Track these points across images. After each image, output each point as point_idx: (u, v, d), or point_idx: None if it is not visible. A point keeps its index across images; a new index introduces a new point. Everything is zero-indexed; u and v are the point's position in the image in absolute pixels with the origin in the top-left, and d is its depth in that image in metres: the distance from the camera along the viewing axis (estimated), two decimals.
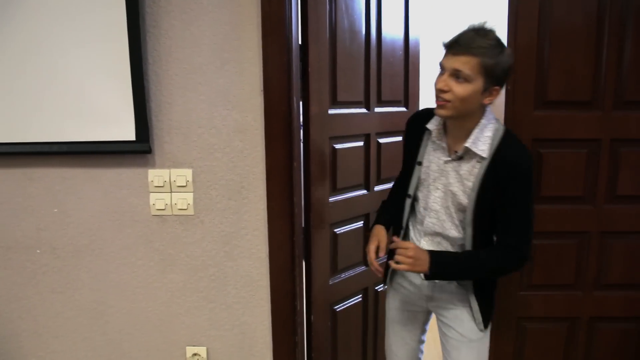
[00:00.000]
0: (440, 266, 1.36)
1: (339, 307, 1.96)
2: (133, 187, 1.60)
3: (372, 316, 2.12)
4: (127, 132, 1.53)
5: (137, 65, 1.49)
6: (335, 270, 1.92)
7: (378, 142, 2.03)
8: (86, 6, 1.46)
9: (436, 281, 1.48)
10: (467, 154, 1.37)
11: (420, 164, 1.49)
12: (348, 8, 1.78)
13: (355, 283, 2.02)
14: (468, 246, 1.42)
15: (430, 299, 1.53)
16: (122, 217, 1.63)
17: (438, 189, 1.44)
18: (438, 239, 1.48)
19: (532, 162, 1.39)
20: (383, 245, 1.53)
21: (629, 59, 1.68)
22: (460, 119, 1.36)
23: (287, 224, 1.63)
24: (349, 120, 1.89)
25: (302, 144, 1.72)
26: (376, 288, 2.13)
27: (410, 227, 1.55)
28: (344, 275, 1.96)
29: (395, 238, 1.45)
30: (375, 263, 1.52)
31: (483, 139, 1.35)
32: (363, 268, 2.04)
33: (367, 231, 2.02)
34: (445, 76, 1.30)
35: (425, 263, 1.34)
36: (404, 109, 2.15)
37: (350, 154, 1.92)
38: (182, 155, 1.58)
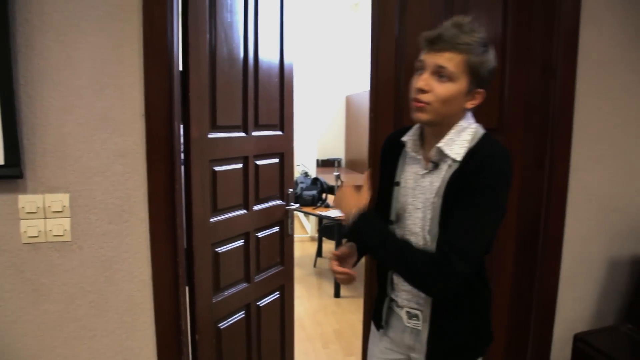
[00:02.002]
0: (361, 226, 1.22)
1: (223, 325, 2.00)
2: (0, 214, 1.51)
3: (255, 331, 2.20)
4: None
5: (6, 86, 1.42)
6: (218, 288, 1.97)
7: (256, 164, 2.14)
8: None
9: (420, 330, 1.33)
10: (443, 161, 1.24)
11: (398, 184, 1.35)
12: (227, 37, 1.88)
13: (238, 300, 2.08)
14: None
15: (411, 349, 1.39)
16: None
17: (418, 208, 1.28)
18: None
19: (507, 165, 1.19)
20: (346, 250, 1.38)
21: None
22: (440, 125, 1.23)
23: (170, 245, 1.66)
24: (228, 144, 1.98)
25: (183, 167, 1.77)
26: (258, 304, 2.21)
27: None
28: (226, 293, 2.01)
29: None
30: (335, 266, 1.35)
31: (459, 142, 1.22)
32: (245, 285, 2.12)
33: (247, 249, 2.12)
34: (427, 74, 1.18)
35: (353, 211, 1.22)
36: (279, 132, 2.29)
37: (230, 175, 2.00)
38: (58, 180, 1.53)
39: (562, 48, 1.98)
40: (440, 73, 1.17)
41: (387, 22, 1.97)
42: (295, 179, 4.93)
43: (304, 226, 6.56)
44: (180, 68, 1.71)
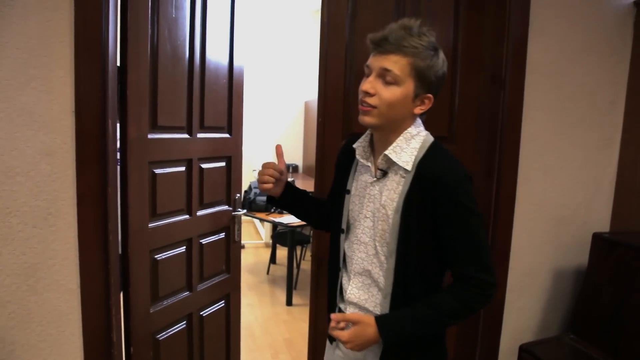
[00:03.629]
0: (391, 326, 1.16)
1: (162, 336, 1.90)
2: None
3: (197, 342, 2.10)
4: None
5: None
6: (156, 297, 1.86)
7: (200, 167, 2.05)
8: None
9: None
10: (392, 169, 1.21)
11: (348, 192, 1.32)
12: (171, 33, 1.79)
13: (179, 309, 1.98)
14: (388, 284, 1.21)
15: None
16: None
17: (367, 217, 1.25)
18: (368, 280, 1.27)
19: (463, 177, 1.17)
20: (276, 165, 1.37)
21: None
22: (387, 130, 1.20)
23: (100, 252, 1.55)
24: (170, 145, 1.88)
25: (119, 168, 1.67)
26: (201, 313, 2.12)
27: (342, 268, 1.35)
28: (166, 302, 1.91)
29: (333, 317, 1.20)
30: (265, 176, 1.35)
31: (409, 150, 1.19)
32: (187, 294, 2.01)
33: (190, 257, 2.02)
34: (372, 77, 1.15)
35: (372, 332, 1.14)
36: (227, 135, 2.21)
37: (172, 179, 1.90)
38: None
39: (511, 59, 1.99)
40: (385, 76, 1.14)
41: (337, 27, 1.93)
42: (249, 183, 4.84)
43: (259, 232, 6.45)
44: (118, 64, 1.61)
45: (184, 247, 2.00)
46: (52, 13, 1.43)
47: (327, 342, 1.49)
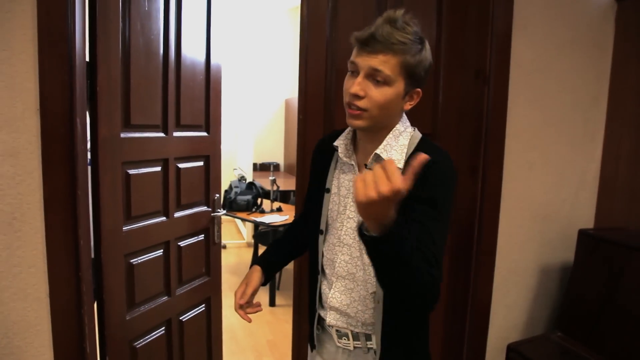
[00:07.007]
0: (400, 228, 0.88)
1: (139, 343, 1.82)
2: None
3: (177, 348, 2.02)
4: None
5: None
6: (132, 303, 1.78)
7: (177, 167, 1.97)
8: None
9: (351, 350, 1.24)
10: None
11: (328, 191, 1.24)
12: (144, 28, 1.71)
13: (157, 315, 1.90)
14: (379, 289, 1.13)
15: None
16: None
17: (350, 218, 1.18)
18: (351, 284, 1.19)
19: (454, 171, 1.12)
20: (249, 290, 1.31)
21: None
22: (375, 129, 1.13)
23: (71, 257, 1.46)
24: (145, 145, 1.80)
25: (90, 169, 1.58)
26: (181, 318, 2.04)
27: (322, 271, 1.27)
28: (143, 308, 1.83)
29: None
30: (239, 311, 1.32)
31: (398, 148, 1.13)
32: (165, 298, 1.94)
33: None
34: (360, 78, 1.06)
35: (392, 212, 0.86)
36: (204, 133, 2.13)
37: (147, 179, 1.82)
38: None
39: (495, 55, 1.95)
40: (375, 76, 1.06)
41: (317, 23, 1.87)
42: (230, 183, 4.75)
43: (241, 232, 6.36)
44: (87, 59, 1.52)
45: (162, 250, 1.92)
46: (11, 4, 1.33)
47: (309, 348, 1.42)
